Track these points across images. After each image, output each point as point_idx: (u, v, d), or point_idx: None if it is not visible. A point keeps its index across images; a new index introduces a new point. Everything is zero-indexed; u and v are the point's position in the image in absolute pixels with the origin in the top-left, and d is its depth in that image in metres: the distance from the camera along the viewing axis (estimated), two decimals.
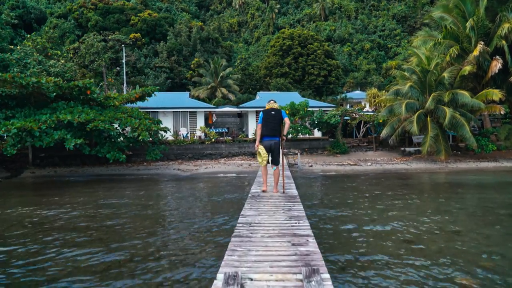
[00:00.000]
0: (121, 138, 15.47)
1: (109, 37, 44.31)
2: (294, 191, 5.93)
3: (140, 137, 14.00)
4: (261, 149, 5.85)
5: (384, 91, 30.65)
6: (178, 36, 47.71)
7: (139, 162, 17.71)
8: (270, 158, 6.03)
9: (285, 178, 7.02)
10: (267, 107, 6.25)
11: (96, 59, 33.53)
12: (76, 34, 49.99)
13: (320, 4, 64.09)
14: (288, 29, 45.57)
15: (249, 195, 5.78)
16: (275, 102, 6.33)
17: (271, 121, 5.95)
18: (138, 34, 48.84)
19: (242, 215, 4.23)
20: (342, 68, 46.18)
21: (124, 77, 34.46)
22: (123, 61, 34.34)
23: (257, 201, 5.21)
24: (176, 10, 66.58)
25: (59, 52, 26.84)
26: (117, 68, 37.26)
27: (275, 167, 6.11)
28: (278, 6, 67.49)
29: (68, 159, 16.85)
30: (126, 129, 15.32)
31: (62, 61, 19.13)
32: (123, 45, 36.16)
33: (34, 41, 27.88)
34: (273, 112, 6.02)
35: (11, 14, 29.20)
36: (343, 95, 35.83)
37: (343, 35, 57.20)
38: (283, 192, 6.05)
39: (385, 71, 47.01)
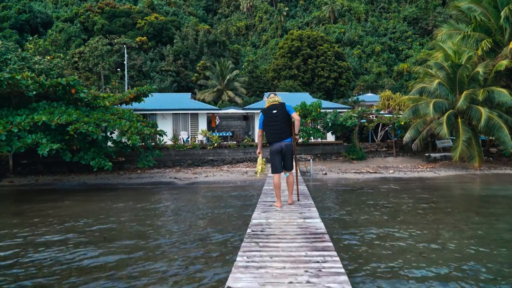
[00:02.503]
0: (110, 143, 13.72)
1: (115, 40, 43.39)
2: (319, 222, 3.81)
3: (130, 141, 12.24)
4: (260, 159, 5.14)
5: (398, 93, 28.90)
6: (184, 40, 46.49)
7: (132, 169, 15.94)
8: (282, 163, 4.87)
9: (304, 198, 5.46)
10: (266, 104, 4.84)
11: (100, 62, 32.32)
12: (82, 38, 49.33)
13: (329, 7, 62.34)
14: (296, 31, 43.84)
15: (248, 229, 3.61)
16: (275, 95, 4.90)
17: (274, 122, 4.67)
18: (144, 37, 47.84)
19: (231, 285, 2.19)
20: (352, 71, 44.19)
21: (126, 80, 33.15)
22: (125, 63, 33.08)
23: (260, 245, 3.06)
24: (183, 14, 65.61)
25: (61, 55, 25.60)
26: (118, 69, 36.08)
27: (287, 173, 4.97)
28: (287, 9, 65.97)
29: (52, 166, 15.16)
30: (115, 132, 13.59)
31: (48, 58, 17.56)
32: (124, 47, 34.94)
33: (36, 44, 26.71)
34: (274, 111, 4.69)
35: None
36: (355, 97, 33.80)
37: (353, 38, 55.22)
38: (298, 200, 5.24)
39: (396, 74, 44.98)
